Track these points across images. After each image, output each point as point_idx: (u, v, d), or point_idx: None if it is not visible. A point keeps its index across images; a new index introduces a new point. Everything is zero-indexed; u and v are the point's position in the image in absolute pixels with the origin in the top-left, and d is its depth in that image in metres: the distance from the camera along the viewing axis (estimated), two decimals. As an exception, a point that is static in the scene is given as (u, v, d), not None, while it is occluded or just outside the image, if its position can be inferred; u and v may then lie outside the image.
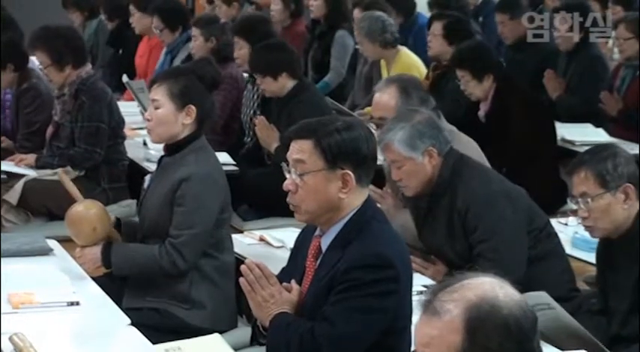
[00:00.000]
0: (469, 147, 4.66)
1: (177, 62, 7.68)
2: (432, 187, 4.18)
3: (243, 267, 3.19)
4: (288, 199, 3.18)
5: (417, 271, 4.25)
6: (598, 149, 3.79)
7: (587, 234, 3.96)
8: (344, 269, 3.06)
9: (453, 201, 4.14)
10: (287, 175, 3.17)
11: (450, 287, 2.08)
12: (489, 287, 2.08)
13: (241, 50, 6.53)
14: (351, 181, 3.12)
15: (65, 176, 4.30)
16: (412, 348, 3.18)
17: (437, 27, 7.00)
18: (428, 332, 2.06)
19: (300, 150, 3.13)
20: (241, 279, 3.18)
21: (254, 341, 3.35)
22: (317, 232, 3.22)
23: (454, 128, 4.74)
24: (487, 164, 4.69)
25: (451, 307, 2.05)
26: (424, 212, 4.26)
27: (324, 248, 3.18)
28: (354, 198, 3.14)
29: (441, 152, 4.17)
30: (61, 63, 5.76)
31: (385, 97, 4.56)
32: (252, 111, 6.42)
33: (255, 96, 6.41)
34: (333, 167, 3.11)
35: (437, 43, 6.98)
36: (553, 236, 4.28)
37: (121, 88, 8.14)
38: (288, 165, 3.17)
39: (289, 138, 3.19)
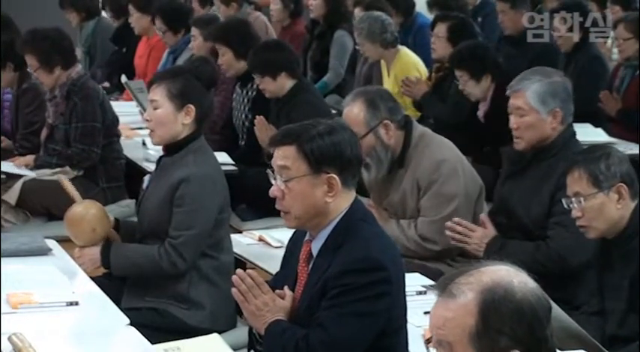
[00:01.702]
0: (448, 148, 4.65)
1: (179, 63, 7.67)
2: (541, 147, 4.25)
3: (234, 278, 3.18)
4: (276, 205, 3.18)
5: (464, 234, 4.30)
6: (591, 149, 3.81)
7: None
8: (335, 274, 3.05)
9: (555, 166, 4.19)
10: (272, 182, 3.16)
11: (466, 273, 2.12)
12: (505, 273, 2.12)
13: (224, 56, 6.49)
14: (337, 185, 3.10)
15: (66, 180, 4.29)
16: (411, 347, 3.22)
17: (441, 29, 6.99)
18: (442, 314, 2.10)
19: (284, 156, 3.11)
20: (233, 290, 3.18)
21: (251, 348, 3.35)
22: (307, 237, 3.21)
23: (428, 130, 4.74)
24: (468, 166, 4.69)
25: (466, 289, 2.09)
26: (521, 166, 4.31)
27: (314, 252, 3.17)
28: (341, 201, 3.13)
29: (565, 120, 4.26)
30: (50, 65, 5.77)
31: (354, 111, 4.54)
32: (243, 115, 6.42)
33: (246, 100, 6.41)
34: (318, 172, 3.09)
35: (441, 44, 6.96)
36: None
37: (120, 88, 8.15)
38: (273, 171, 3.17)
39: (273, 145, 3.18)
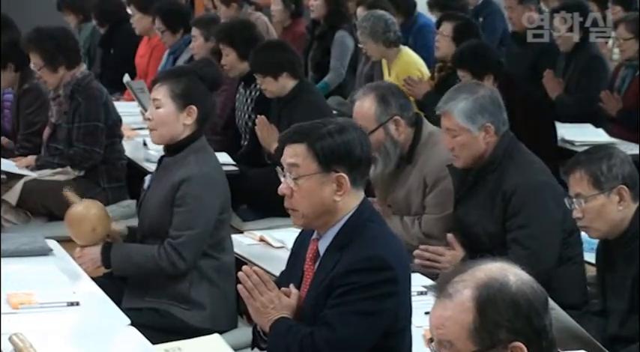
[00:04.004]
0: None
1: (179, 63, 7.68)
2: (481, 163, 4.24)
3: (240, 274, 3.18)
4: (284, 203, 3.18)
5: (433, 259, 4.29)
6: (594, 150, 3.79)
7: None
8: (342, 273, 3.06)
9: (500, 181, 4.19)
10: (282, 179, 3.17)
11: (461, 272, 2.15)
12: (499, 269, 2.15)
13: (228, 56, 6.48)
14: (346, 184, 3.11)
15: (71, 194, 4.28)
16: (413, 347, 3.23)
17: (446, 28, 7.00)
18: (441, 314, 2.13)
19: (294, 154, 3.12)
20: (239, 286, 3.18)
21: (255, 346, 3.35)
22: (314, 235, 3.22)
23: (437, 128, 4.74)
24: None
25: (461, 287, 2.12)
26: (467, 186, 4.29)
27: (321, 251, 3.17)
28: (350, 200, 3.14)
29: (498, 131, 4.23)
30: (54, 64, 5.77)
31: (365, 106, 4.55)
32: (246, 115, 6.42)
33: (249, 100, 6.41)
34: (327, 170, 3.10)
35: (445, 43, 6.97)
36: (578, 245, 4.27)
37: (121, 88, 8.16)
38: (282, 169, 3.17)
39: (283, 143, 3.19)
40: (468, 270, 2.15)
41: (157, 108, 4.08)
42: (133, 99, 7.37)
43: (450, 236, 4.32)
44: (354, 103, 4.63)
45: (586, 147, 4.10)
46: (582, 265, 4.27)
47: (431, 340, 2.16)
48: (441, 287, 2.15)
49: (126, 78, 7.43)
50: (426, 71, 7.34)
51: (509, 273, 2.13)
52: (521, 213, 4.12)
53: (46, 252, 4.31)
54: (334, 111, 6.89)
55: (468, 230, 4.30)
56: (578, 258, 4.25)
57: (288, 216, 3.26)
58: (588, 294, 4.24)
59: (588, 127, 6.89)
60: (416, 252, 4.34)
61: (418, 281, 3.93)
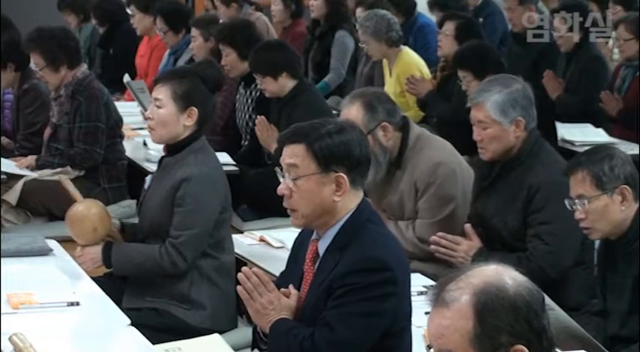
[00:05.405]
0: (446, 150, 4.64)
1: (180, 64, 7.68)
2: (508, 157, 4.25)
3: (240, 276, 3.18)
4: (284, 203, 3.18)
5: (450, 248, 4.31)
6: (595, 150, 3.78)
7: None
8: (342, 274, 3.06)
9: (523, 176, 4.19)
10: (281, 179, 3.17)
11: (455, 279, 2.13)
12: (493, 272, 2.13)
13: (228, 57, 6.49)
14: (345, 184, 3.11)
15: (66, 180, 4.29)
16: (413, 347, 3.23)
17: (449, 27, 7.01)
18: (439, 322, 2.11)
19: (293, 154, 3.12)
20: (239, 288, 3.18)
21: (255, 346, 3.35)
22: (314, 236, 3.22)
23: (425, 131, 4.73)
24: (467, 167, 4.68)
25: (458, 295, 2.09)
26: (491, 179, 4.31)
27: (321, 252, 3.17)
28: (349, 200, 3.14)
29: (528, 126, 4.24)
30: (56, 64, 5.77)
31: (352, 113, 4.51)
32: (246, 115, 6.42)
33: (250, 100, 6.41)
34: (326, 170, 3.10)
35: (447, 42, 6.99)
36: (592, 249, 4.27)
37: (120, 88, 8.16)
38: (282, 169, 3.17)
39: (281, 143, 3.19)
40: (462, 276, 2.12)
41: (158, 108, 4.08)
42: (133, 99, 7.37)
43: (467, 226, 4.34)
44: (341, 112, 4.62)
45: (586, 147, 4.10)
46: (592, 270, 4.27)
47: (429, 347, 2.15)
48: (436, 294, 2.13)
49: (126, 78, 7.44)
50: (426, 71, 7.35)
51: (505, 276, 2.11)
52: (545, 209, 4.13)
53: (46, 252, 4.31)
54: (334, 112, 6.89)
55: (487, 222, 4.31)
56: (590, 263, 4.25)
57: (288, 215, 3.26)
58: (594, 297, 4.25)
59: (588, 127, 6.88)
60: (433, 238, 4.35)
61: (418, 281, 3.94)
